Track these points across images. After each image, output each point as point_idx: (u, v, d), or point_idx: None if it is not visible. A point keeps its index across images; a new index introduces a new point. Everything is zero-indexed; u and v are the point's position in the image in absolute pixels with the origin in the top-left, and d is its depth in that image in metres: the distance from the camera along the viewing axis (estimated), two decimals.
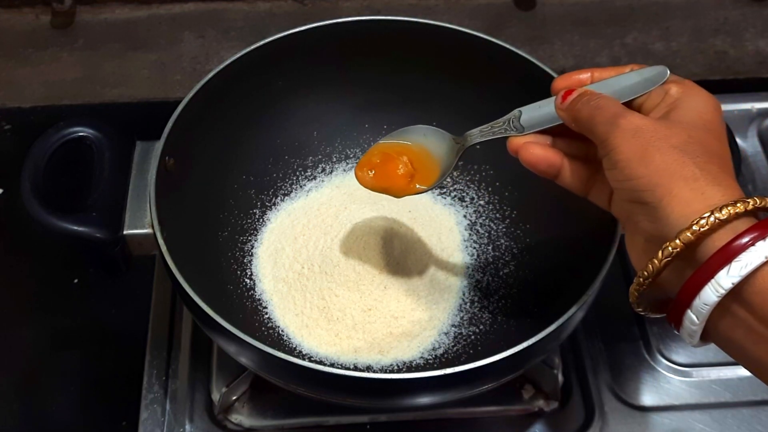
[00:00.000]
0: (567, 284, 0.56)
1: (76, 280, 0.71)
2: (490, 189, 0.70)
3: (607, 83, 0.47)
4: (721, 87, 0.86)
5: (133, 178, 0.58)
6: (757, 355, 0.38)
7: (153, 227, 0.54)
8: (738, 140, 0.61)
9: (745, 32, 0.93)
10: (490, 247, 0.67)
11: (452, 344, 0.61)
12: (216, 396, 0.62)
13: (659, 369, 0.66)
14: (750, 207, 0.37)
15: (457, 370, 0.48)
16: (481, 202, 0.69)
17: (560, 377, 0.64)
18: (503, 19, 0.93)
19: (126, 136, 0.60)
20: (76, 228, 0.55)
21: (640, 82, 0.46)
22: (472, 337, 0.62)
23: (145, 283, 0.70)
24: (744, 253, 0.36)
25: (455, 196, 0.70)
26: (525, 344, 0.49)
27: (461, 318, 0.62)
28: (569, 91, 0.46)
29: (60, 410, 0.64)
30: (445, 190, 0.70)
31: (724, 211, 0.37)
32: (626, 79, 0.46)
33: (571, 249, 0.60)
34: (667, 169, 0.40)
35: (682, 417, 0.63)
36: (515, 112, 0.50)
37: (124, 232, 0.56)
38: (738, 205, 0.37)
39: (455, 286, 0.64)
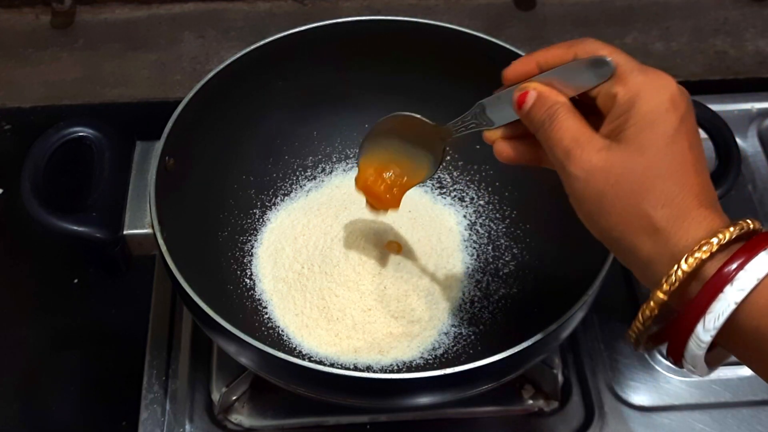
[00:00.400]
0: (567, 284, 0.56)
1: (76, 280, 0.71)
2: (490, 189, 0.70)
3: (553, 77, 0.43)
4: (721, 87, 0.86)
5: (133, 178, 0.58)
6: (762, 367, 0.38)
7: (153, 227, 0.54)
8: (738, 140, 0.61)
9: (745, 32, 0.93)
10: (490, 247, 0.67)
11: (452, 344, 0.61)
12: (216, 396, 0.62)
13: (659, 369, 0.66)
14: (715, 248, 0.36)
15: (457, 370, 0.48)
16: (481, 202, 0.69)
17: (560, 377, 0.64)
18: (503, 19, 0.93)
19: (126, 136, 0.60)
20: (76, 228, 0.55)
21: (586, 76, 0.42)
22: (472, 337, 0.62)
23: (145, 283, 0.70)
24: (715, 303, 0.35)
25: (455, 196, 0.70)
26: (525, 344, 0.49)
27: (461, 318, 0.62)
28: (523, 95, 0.43)
29: (60, 410, 0.64)
30: (445, 190, 0.70)
31: (690, 260, 0.36)
32: (571, 72, 0.43)
33: (571, 249, 0.60)
34: (626, 223, 0.38)
35: (682, 417, 0.63)
36: (477, 106, 0.48)
37: (124, 232, 0.56)
38: (704, 249, 0.36)
39: (455, 286, 0.64)
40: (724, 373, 0.65)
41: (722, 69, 0.90)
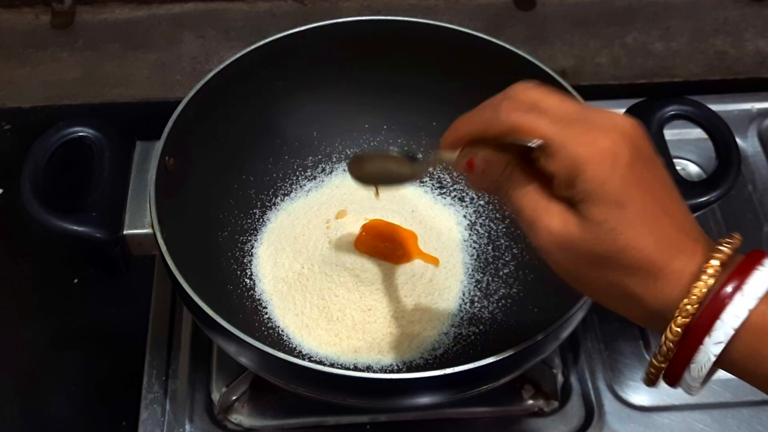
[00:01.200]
0: (567, 284, 0.56)
1: (76, 280, 0.71)
2: None
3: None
4: (721, 87, 0.86)
5: (133, 178, 0.58)
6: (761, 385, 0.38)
7: (153, 227, 0.54)
8: (738, 140, 0.61)
9: (745, 32, 0.93)
10: (490, 247, 0.67)
11: (452, 344, 0.61)
12: (216, 396, 0.62)
13: None
14: (695, 308, 0.36)
15: (457, 370, 0.48)
16: (481, 202, 0.69)
17: (560, 377, 0.64)
18: (503, 19, 0.93)
19: (126, 136, 0.60)
20: (76, 228, 0.55)
21: (518, 149, 0.40)
22: (472, 337, 0.62)
23: (145, 283, 0.70)
24: (696, 356, 0.36)
25: (455, 196, 0.70)
26: (525, 344, 0.49)
27: (461, 318, 0.62)
28: (470, 165, 0.42)
29: (60, 410, 0.64)
30: (445, 190, 0.70)
31: (674, 328, 0.36)
32: (503, 145, 0.41)
33: None
34: (606, 293, 0.39)
35: (682, 417, 0.63)
36: (432, 155, 0.45)
37: (124, 232, 0.56)
38: (684, 312, 0.36)
39: (455, 286, 0.64)
40: (724, 373, 0.65)
41: (722, 69, 0.90)
